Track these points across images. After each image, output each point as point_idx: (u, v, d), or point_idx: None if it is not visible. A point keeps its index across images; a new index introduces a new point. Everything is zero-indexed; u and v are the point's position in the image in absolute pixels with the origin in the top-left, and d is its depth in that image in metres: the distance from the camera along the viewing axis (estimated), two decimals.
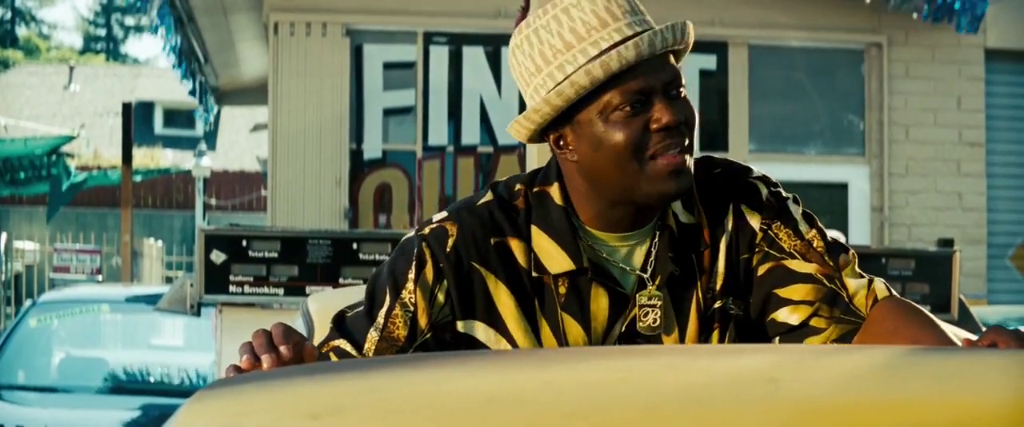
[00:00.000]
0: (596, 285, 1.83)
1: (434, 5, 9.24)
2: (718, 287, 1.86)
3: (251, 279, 4.47)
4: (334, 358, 1.82)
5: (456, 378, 1.08)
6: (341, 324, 1.86)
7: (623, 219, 1.84)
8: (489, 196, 1.88)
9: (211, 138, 29.17)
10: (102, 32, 49.95)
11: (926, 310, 1.82)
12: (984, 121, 9.56)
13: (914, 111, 9.51)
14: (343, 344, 1.83)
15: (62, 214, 16.87)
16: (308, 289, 4.39)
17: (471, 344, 1.83)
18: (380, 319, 1.82)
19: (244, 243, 4.47)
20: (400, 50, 9.28)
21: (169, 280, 16.52)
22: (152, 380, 7.34)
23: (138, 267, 18.11)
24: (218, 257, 4.46)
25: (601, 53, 1.75)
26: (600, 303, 1.83)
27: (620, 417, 0.92)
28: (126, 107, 13.33)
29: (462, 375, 1.08)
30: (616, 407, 0.94)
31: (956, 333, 1.84)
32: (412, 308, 1.81)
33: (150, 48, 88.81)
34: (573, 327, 1.82)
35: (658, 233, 1.85)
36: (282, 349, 1.64)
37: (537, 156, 4.48)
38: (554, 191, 1.86)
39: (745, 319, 1.87)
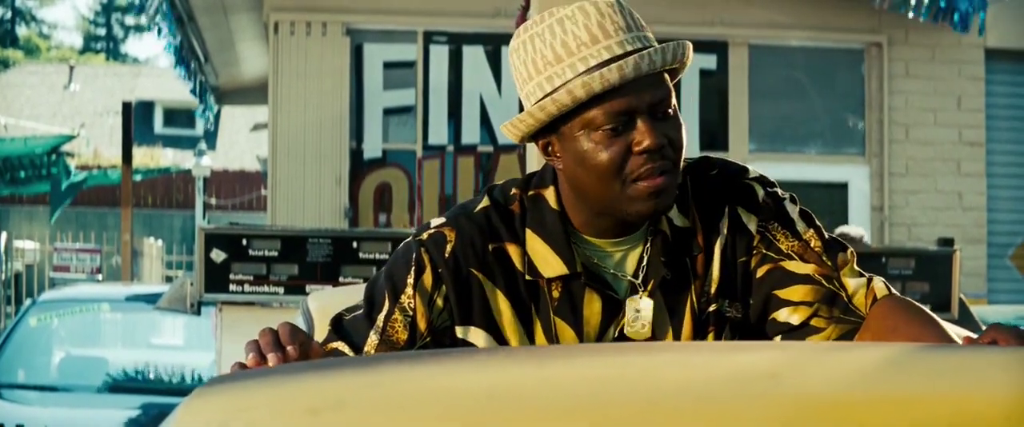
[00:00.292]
0: (589, 290, 1.83)
1: (434, 5, 9.24)
2: (713, 291, 1.85)
3: (251, 278, 4.47)
4: None
5: (456, 374, 1.08)
6: (339, 326, 1.87)
7: (611, 227, 1.84)
8: (486, 201, 1.88)
9: (211, 138, 29.18)
10: (102, 32, 49.95)
11: (926, 309, 1.82)
12: (984, 121, 9.56)
13: (914, 111, 9.51)
14: (342, 346, 1.83)
15: (62, 213, 16.86)
16: (308, 288, 4.39)
17: None
18: (380, 322, 1.82)
19: (244, 242, 4.47)
20: (400, 49, 9.28)
21: (169, 279, 16.52)
22: (152, 379, 7.34)
23: (138, 266, 18.10)
24: (218, 256, 4.47)
25: (587, 71, 1.74)
26: (593, 307, 1.83)
27: (619, 413, 0.92)
28: (126, 106, 13.33)
29: (462, 371, 1.08)
30: (615, 403, 0.94)
31: (957, 332, 1.83)
32: (411, 312, 1.82)
33: (150, 48, 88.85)
34: (566, 331, 1.83)
35: (651, 238, 1.85)
36: (289, 349, 1.64)
37: (537, 156, 4.48)
38: (549, 194, 1.86)
39: (742, 322, 1.87)
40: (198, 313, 4.66)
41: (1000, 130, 9.70)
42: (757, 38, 9.47)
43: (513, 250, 1.84)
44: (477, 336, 1.82)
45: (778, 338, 1.84)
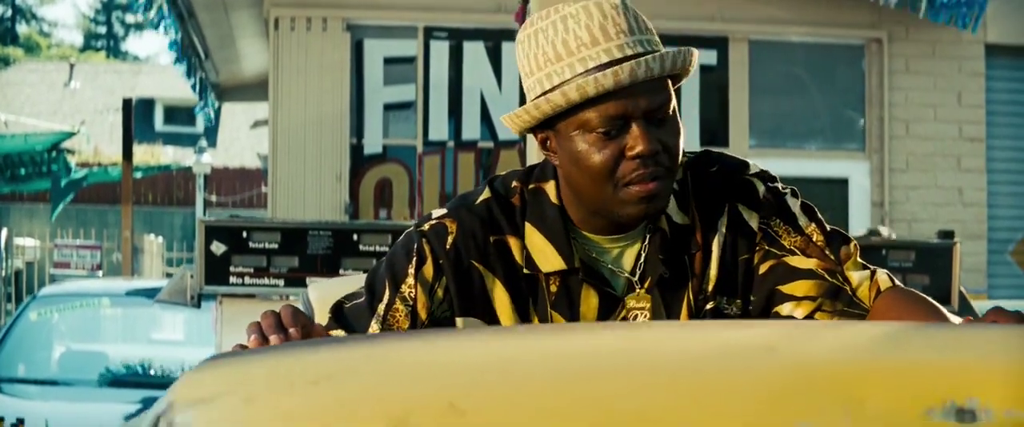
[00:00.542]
0: (586, 285, 1.84)
1: (434, 0, 9.24)
2: (710, 289, 1.85)
3: (251, 270, 4.48)
4: None
5: (454, 347, 1.09)
6: (339, 314, 1.87)
7: (609, 225, 1.84)
8: (487, 193, 1.88)
9: (211, 135, 29.17)
10: (102, 30, 49.95)
11: (930, 299, 1.82)
12: (984, 116, 9.56)
13: (914, 107, 9.51)
14: (342, 334, 1.83)
15: (63, 210, 16.86)
16: (308, 280, 4.39)
17: None
18: (381, 311, 1.83)
19: (244, 234, 4.48)
20: (400, 45, 9.28)
21: (170, 275, 16.50)
22: (152, 374, 7.35)
23: (139, 263, 18.11)
24: (218, 248, 4.47)
25: (586, 72, 1.73)
26: (590, 303, 1.84)
27: (614, 383, 0.92)
28: (126, 102, 13.33)
29: (459, 344, 1.08)
30: (611, 373, 0.94)
31: (960, 321, 1.83)
32: (412, 302, 1.83)
33: (150, 46, 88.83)
34: None
35: (650, 235, 1.85)
36: (291, 331, 1.65)
37: (537, 150, 4.49)
38: (550, 188, 1.87)
39: (743, 318, 1.87)
40: (198, 306, 4.66)
41: (1000, 126, 9.71)
42: (757, 34, 9.47)
43: (513, 243, 1.85)
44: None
45: None
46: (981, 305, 6.10)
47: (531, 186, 1.88)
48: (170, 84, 31.48)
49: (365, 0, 9.23)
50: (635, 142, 1.74)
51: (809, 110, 9.65)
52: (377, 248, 4.46)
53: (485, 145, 9.22)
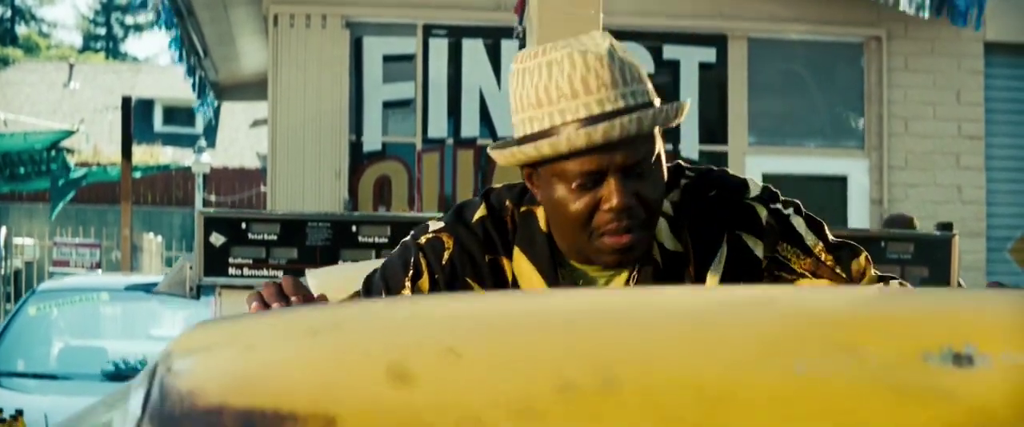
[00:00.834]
0: None
1: None
2: None
3: (250, 261, 4.48)
4: None
5: (451, 303, 1.09)
6: None
7: (589, 260, 1.83)
8: (483, 210, 1.88)
9: (210, 135, 29.19)
10: (102, 31, 49.98)
11: None
12: (983, 114, 9.57)
13: (913, 104, 9.52)
14: None
15: (62, 210, 16.86)
16: (307, 271, 4.39)
17: None
18: None
19: (243, 226, 4.48)
20: (400, 43, 9.29)
21: None
22: None
23: (138, 261, 18.12)
24: (217, 239, 4.47)
25: (562, 124, 1.72)
26: None
27: (618, 330, 0.92)
28: (126, 100, 13.33)
29: (463, 298, 1.09)
30: (610, 324, 0.94)
31: None
32: None
33: (149, 46, 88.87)
34: None
35: (639, 266, 1.83)
36: (293, 299, 1.66)
37: None
38: (541, 214, 1.86)
39: None
40: (197, 297, 4.66)
41: (999, 123, 9.71)
42: (756, 32, 9.48)
43: (506, 263, 1.86)
44: None
45: None
46: None
47: (523, 209, 1.87)
48: (169, 84, 31.54)
49: None
50: (610, 195, 1.73)
51: (808, 108, 9.65)
52: (376, 239, 4.47)
53: (484, 143, 9.22)
